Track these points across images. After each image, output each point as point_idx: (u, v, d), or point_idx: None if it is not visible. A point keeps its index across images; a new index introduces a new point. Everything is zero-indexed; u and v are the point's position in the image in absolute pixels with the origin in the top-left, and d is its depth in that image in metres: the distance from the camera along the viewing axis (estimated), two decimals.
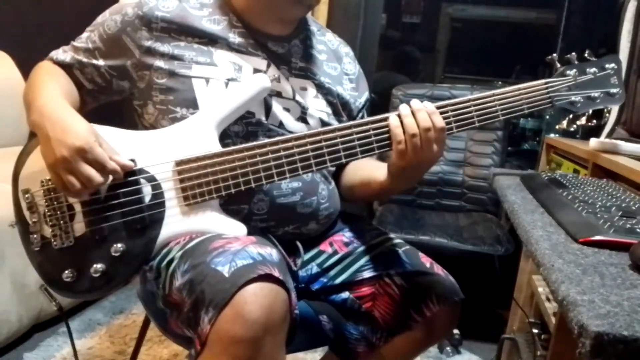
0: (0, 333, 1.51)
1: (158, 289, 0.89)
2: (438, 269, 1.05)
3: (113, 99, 1.06)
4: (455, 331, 1.91)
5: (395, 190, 0.98)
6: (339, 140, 0.90)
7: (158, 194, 0.90)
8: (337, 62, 1.14)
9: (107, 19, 0.99)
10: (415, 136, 0.86)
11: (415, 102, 0.88)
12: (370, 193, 1.05)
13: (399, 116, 0.88)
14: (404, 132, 0.86)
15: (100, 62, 1.00)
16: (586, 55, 0.96)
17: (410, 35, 3.16)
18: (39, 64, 1.05)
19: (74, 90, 1.02)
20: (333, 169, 1.10)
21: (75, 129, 0.84)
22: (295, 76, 1.04)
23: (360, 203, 2.28)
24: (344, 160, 0.91)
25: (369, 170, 1.03)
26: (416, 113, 0.87)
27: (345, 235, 1.10)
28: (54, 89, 0.94)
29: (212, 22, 0.99)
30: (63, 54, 1.03)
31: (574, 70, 0.95)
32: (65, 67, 1.03)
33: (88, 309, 1.92)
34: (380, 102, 2.37)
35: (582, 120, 0.98)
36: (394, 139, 0.88)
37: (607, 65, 0.96)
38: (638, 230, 0.71)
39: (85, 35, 1.03)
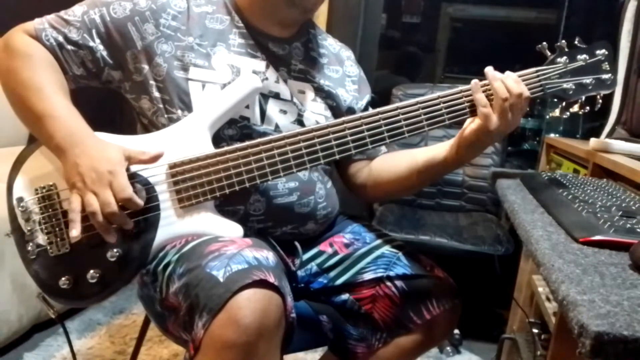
0: (0, 333, 1.51)
1: (155, 293, 0.89)
2: (438, 272, 1.05)
3: (90, 85, 0.99)
4: (455, 331, 1.91)
5: (462, 163, 0.98)
6: (331, 136, 0.90)
7: (152, 197, 0.89)
8: (339, 65, 1.13)
9: (114, 2, 0.95)
10: (506, 100, 0.89)
11: (494, 71, 0.92)
12: (423, 178, 1.02)
13: (484, 84, 0.92)
14: (493, 95, 0.90)
15: (98, 45, 0.94)
16: (576, 42, 0.97)
17: (410, 35, 3.15)
18: (16, 37, 0.93)
19: (64, 81, 0.94)
20: (329, 167, 1.10)
21: (107, 152, 0.84)
22: (294, 78, 1.04)
23: (361, 203, 2.28)
24: (337, 157, 0.91)
25: (413, 156, 1.03)
26: (505, 80, 0.90)
27: (346, 236, 1.10)
28: (59, 94, 0.89)
29: (215, 21, 0.99)
30: (52, 31, 0.94)
31: (565, 57, 0.96)
32: (53, 47, 0.94)
33: (88, 308, 1.92)
34: (380, 102, 2.36)
35: (575, 108, 0.98)
36: (479, 103, 0.91)
37: (597, 52, 0.96)
38: (638, 230, 0.71)
39: (79, 10, 0.96)
